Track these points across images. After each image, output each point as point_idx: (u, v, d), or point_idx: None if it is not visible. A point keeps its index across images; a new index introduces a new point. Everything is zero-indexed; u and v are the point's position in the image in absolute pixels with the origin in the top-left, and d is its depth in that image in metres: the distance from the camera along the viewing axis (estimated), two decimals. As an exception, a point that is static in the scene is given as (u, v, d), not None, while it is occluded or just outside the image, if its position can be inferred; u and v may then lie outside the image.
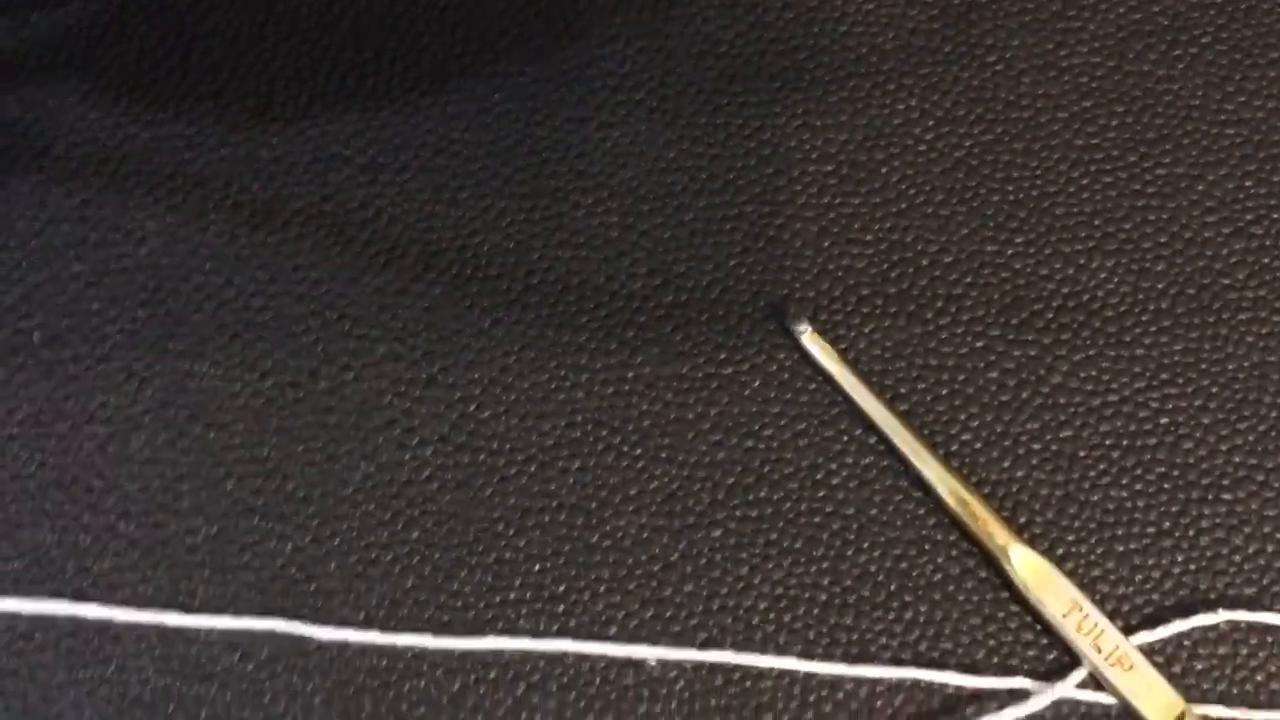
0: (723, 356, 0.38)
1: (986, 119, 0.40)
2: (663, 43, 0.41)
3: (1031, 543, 0.36)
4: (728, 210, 0.39)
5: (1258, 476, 0.37)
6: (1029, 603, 0.36)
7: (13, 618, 0.36)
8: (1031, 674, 0.36)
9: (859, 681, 0.36)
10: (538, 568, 0.37)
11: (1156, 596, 0.36)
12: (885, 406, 0.37)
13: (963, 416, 0.38)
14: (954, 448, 0.37)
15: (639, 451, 0.38)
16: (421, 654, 0.36)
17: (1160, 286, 0.39)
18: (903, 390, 0.38)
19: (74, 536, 0.37)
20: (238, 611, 0.36)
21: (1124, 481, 0.37)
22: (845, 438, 0.38)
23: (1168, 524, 0.37)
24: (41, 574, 0.36)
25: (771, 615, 0.36)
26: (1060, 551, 0.37)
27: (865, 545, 0.37)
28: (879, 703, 0.36)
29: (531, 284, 0.39)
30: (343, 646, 0.36)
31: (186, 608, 0.36)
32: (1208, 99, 0.40)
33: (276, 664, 0.36)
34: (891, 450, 0.37)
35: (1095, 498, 0.37)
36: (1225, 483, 0.37)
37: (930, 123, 0.40)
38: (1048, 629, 0.36)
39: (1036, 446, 0.37)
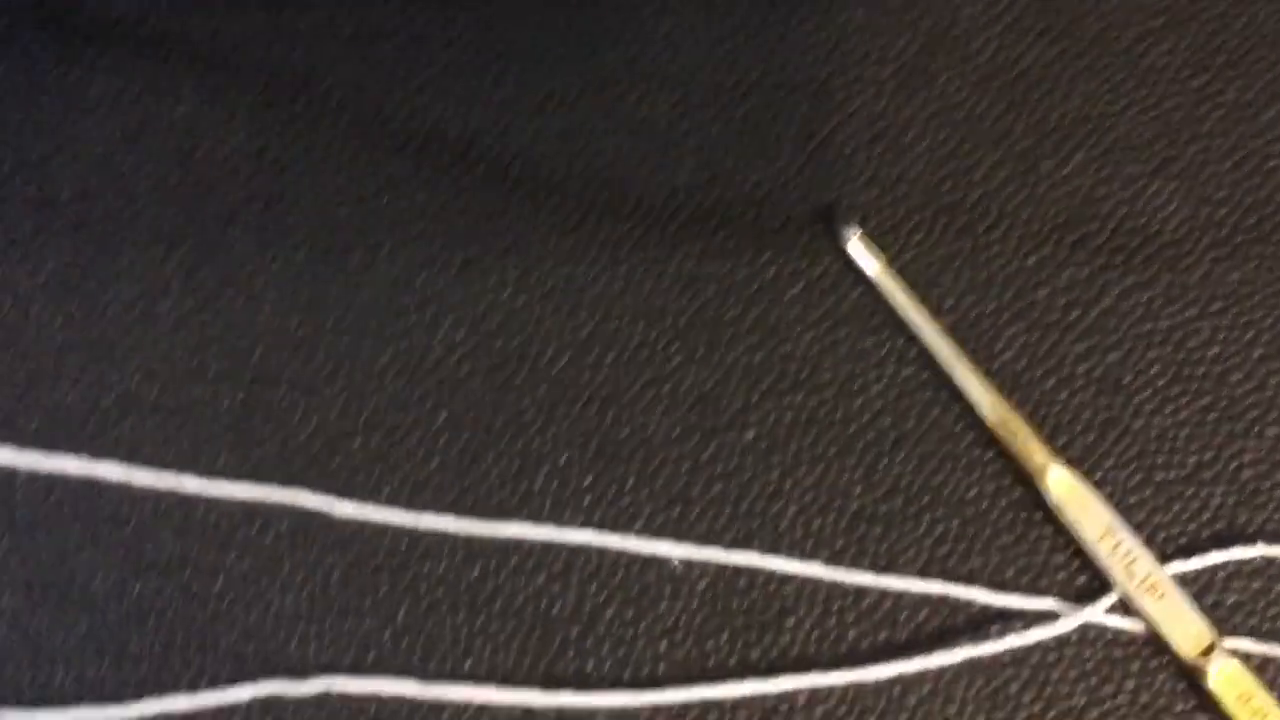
0: (765, 258, 0.37)
1: (1052, 32, 0.39)
2: (723, -67, 0.40)
3: (1070, 464, 0.35)
4: (780, 109, 0.38)
5: (1305, 413, 0.36)
6: (1063, 524, 0.35)
7: (30, 474, 0.35)
8: (1060, 596, 0.35)
9: (884, 592, 0.35)
10: (564, 459, 0.36)
11: (1193, 527, 0.36)
12: (929, 318, 0.36)
13: (1008, 334, 0.37)
14: (997, 365, 0.37)
15: (674, 348, 0.37)
16: (442, 536, 0.35)
17: (1220, 214, 0.38)
18: (948, 304, 0.37)
19: (95, 396, 0.36)
20: (259, 481, 0.35)
21: (1168, 410, 0.36)
22: (886, 347, 0.37)
23: (1209, 455, 0.36)
24: (61, 432, 0.36)
25: (799, 521, 0.36)
26: (1098, 476, 0.36)
27: (899, 457, 0.36)
28: (903, 615, 0.35)
29: (574, 171, 0.38)
30: (363, 523, 0.35)
31: (207, 474, 0.35)
32: (1281, 25, 0.39)
33: (296, 536, 0.35)
34: (932, 363, 0.36)
35: (1138, 424, 0.36)
36: (1271, 417, 0.36)
37: (995, 31, 0.39)
38: (1080, 552, 0.35)
39: (1081, 369, 0.37)
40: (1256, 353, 0.37)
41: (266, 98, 0.38)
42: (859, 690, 0.35)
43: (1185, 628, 0.35)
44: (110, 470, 0.35)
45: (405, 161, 0.38)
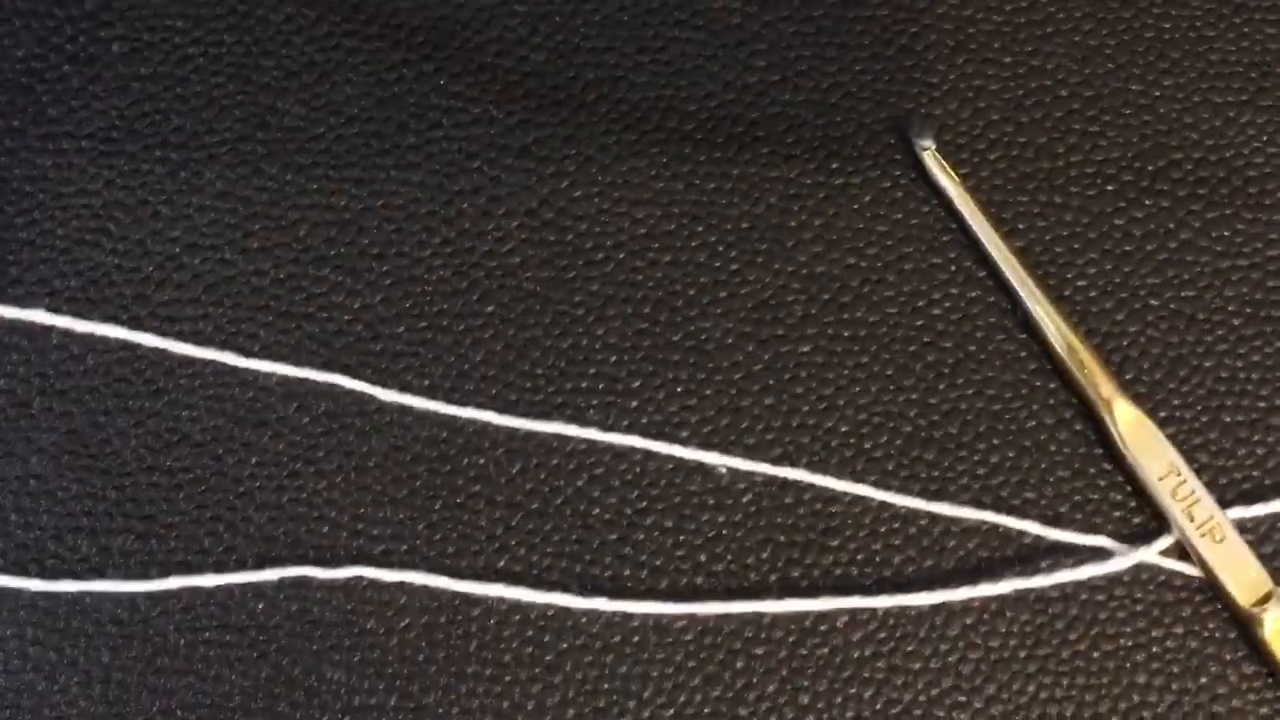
0: (835, 165, 0.36)
1: (1151, -53, 0.37)
2: None
3: (1136, 400, 0.34)
4: (860, 10, 0.37)
5: (1384, 364, 0.35)
6: (1124, 461, 0.34)
7: (65, 338, 0.34)
8: (1115, 535, 0.34)
9: (934, 518, 0.34)
10: (614, 359, 0.35)
11: (1257, 473, 0.35)
12: (1001, 239, 0.35)
13: (1080, 261, 0.35)
14: (1067, 292, 0.35)
15: (734, 253, 0.35)
16: (483, 430, 0.34)
17: (1311, 151, 0.36)
18: (1021, 226, 0.36)
19: (135, 262, 0.35)
20: (298, 362, 0.34)
21: (1241, 350, 0.35)
22: (953, 267, 0.35)
23: (1280, 401, 0.35)
24: (98, 296, 0.35)
25: (851, 440, 0.35)
26: (1164, 414, 0.35)
27: (959, 381, 0.35)
28: (952, 543, 0.34)
29: (642, 62, 0.36)
30: (404, 411, 0.34)
31: (246, 351, 0.34)
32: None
33: (334, 420, 0.34)
34: (1001, 285, 0.35)
35: (1209, 363, 0.35)
36: (1347, 366, 0.35)
37: (1091, -57, 0.37)
38: (1139, 491, 0.34)
39: (1155, 302, 0.35)
40: (1338, 298, 0.35)
41: (325, -35, 0.37)
42: (900, 616, 0.34)
43: (1242, 575, 0.33)
44: (147, 339, 0.34)
45: (466, 42, 0.36)
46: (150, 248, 0.35)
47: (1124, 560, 0.34)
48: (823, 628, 0.34)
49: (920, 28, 0.37)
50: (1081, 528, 0.34)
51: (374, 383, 0.34)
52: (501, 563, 0.34)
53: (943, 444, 0.35)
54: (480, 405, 0.34)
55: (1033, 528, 0.34)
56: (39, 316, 0.34)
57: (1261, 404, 0.35)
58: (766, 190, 0.36)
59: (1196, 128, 0.36)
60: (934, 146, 0.35)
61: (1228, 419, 0.35)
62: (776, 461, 0.34)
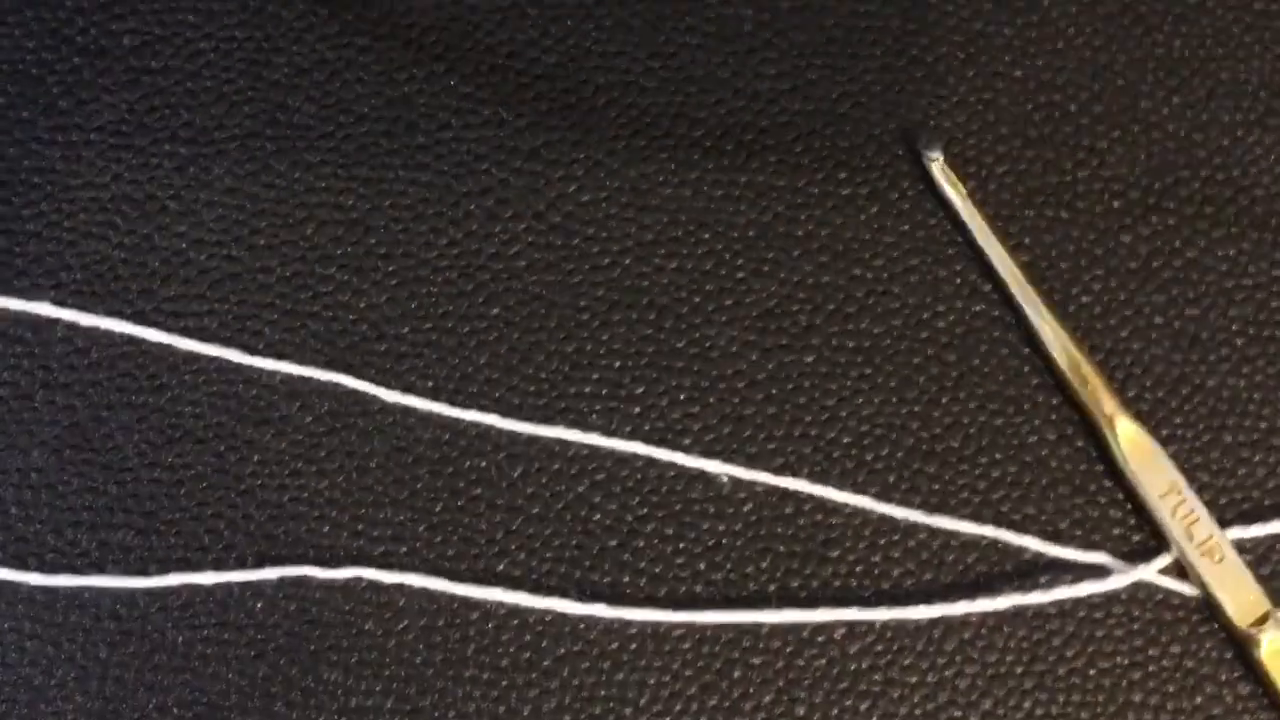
0: (843, 175, 0.36)
1: (1164, -35, 0.37)
2: None
3: (1138, 418, 0.34)
4: (872, 21, 0.37)
5: (1386, 387, 0.35)
6: (1125, 479, 0.34)
7: (69, 331, 0.34)
8: (1114, 552, 0.34)
9: (934, 532, 0.34)
10: (618, 365, 0.35)
11: (1257, 494, 0.35)
12: (1007, 253, 0.35)
13: (1086, 277, 0.35)
14: (1072, 308, 0.35)
15: (740, 261, 0.35)
16: (486, 433, 0.34)
17: (1319, 172, 0.36)
18: (1027, 240, 0.36)
19: (142, 257, 0.35)
20: (302, 361, 0.34)
21: (1244, 370, 0.35)
22: (959, 280, 0.35)
23: (1282, 422, 0.35)
24: (104, 290, 0.35)
25: (853, 451, 0.35)
26: (1165, 432, 0.35)
27: (962, 394, 0.35)
28: (950, 556, 0.34)
29: (652, 68, 0.36)
30: (406, 412, 0.34)
31: (250, 348, 0.34)
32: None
33: (336, 420, 0.34)
34: (1006, 299, 0.35)
35: (1211, 383, 0.35)
36: (1349, 389, 0.35)
37: (1104, -41, 0.37)
38: (1139, 509, 0.34)
39: (1159, 320, 0.35)
40: (1342, 320, 0.35)
41: (337, -38, 0.37)
42: (898, 629, 0.34)
43: (1240, 595, 0.34)
44: (151, 334, 0.34)
45: (477, 44, 0.36)
46: (157, 243, 0.35)
47: (1123, 578, 0.34)
48: (820, 639, 0.34)
49: (931, 40, 0.37)
50: (1081, 544, 0.34)
51: (377, 383, 0.34)
52: (501, 566, 0.34)
53: (944, 457, 0.35)
54: (483, 408, 0.34)
55: (1032, 543, 0.34)
56: (44, 309, 0.34)
57: (1263, 424, 0.35)
58: (774, 199, 0.36)
59: (1205, 147, 0.36)
60: (942, 159, 0.35)
61: (1229, 439, 0.35)
62: (778, 471, 0.34)
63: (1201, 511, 0.34)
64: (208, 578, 0.33)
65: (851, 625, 0.34)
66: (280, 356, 0.34)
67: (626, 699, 0.33)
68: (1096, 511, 0.34)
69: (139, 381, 0.34)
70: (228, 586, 0.33)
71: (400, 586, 0.34)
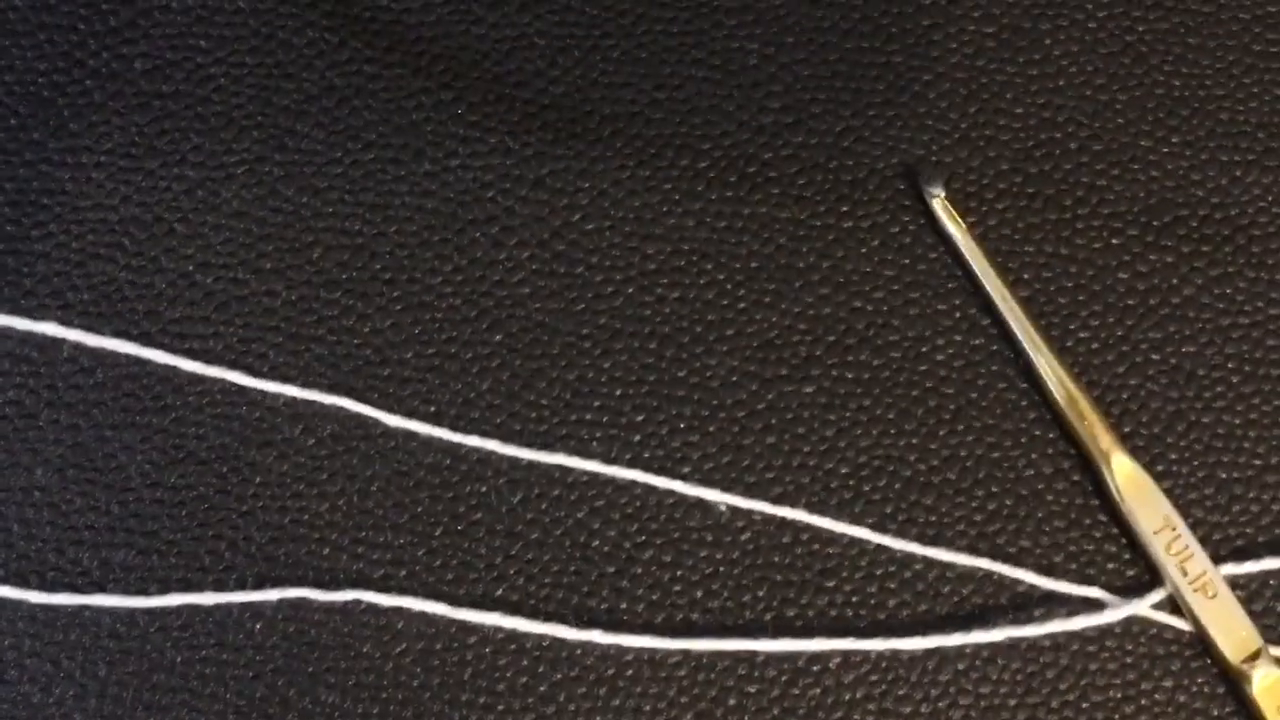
0: (845, 209, 0.36)
1: (1165, 5, 0.37)
2: None
3: (1134, 454, 0.35)
4: (875, 57, 0.37)
5: (1380, 427, 0.35)
6: (1120, 514, 0.34)
7: (75, 351, 0.35)
8: (1108, 587, 0.34)
9: (930, 563, 0.35)
10: (619, 393, 0.35)
11: (1251, 530, 0.35)
12: (1006, 288, 0.35)
13: (1084, 314, 0.36)
14: (1069, 344, 0.36)
15: (742, 292, 0.36)
16: (487, 459, 0.35)
17: (1315, 213, 0.37)
18: (1026, 276, 0.36)
19: (148, 278, 0.35)
20: (306, 384, 0.35)
21: (1239, 408, 0.35)
22: (958, 314, 0.36)
23: (1276, 459, 0.35)
24: (110, 310, 0.35)
25: (851, 482, 0.35)
26: (1161, 468, 0.35)
27: (959, 428, 0.35)
28: (946, 588, 0.34)
29: (658, 99, 0.37)
30: (408, 437, 0.35)
31: (255, 371, 0.35)
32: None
33: (338, 443, 0.34)
34: (1004, 334, 0.35)
35: (1206, 419, 0.35)
36: (1343, 428, 0.36)
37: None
38: (1134, 544, 0.34)
39: (1155, 357, 0.36)
40: (1336, 360, 0.36)
41: (347, -10, 0.37)
42: (893, 659, 0.34)
43: (1233, 631, 0.34)
44: (157, 355, 0.34)
45: (485, 72, 0.37)
46: (164, 264, 0.35)
47: (1117, 612, 0.34)
48: (815, 668, 0.34)
49: (934, 76, 0.37)
50: (1075, 578, 0.35)
51: (380, 407, 0.35)
52: (499, 591, 0.34)
53: (941, 489, 0.35)
54: (484, 434, 0.35)
55: (1027, 576, 0.34)
56: (50, 329, 0.35)
57: (1257, 462, 0.35)
58: (776, 230, 0.36)
59: (1203, 185, 0.37)
60: (944, 194, 0.36)
61: (1223, 475, 0.35)
62: (776, 501, 0.35)
63: (1195, 547, 0.34)
64: (208, 598, 0.34)
65: (847, 655, 0.34)
66: (284, 379, 0.35)
67: (622, 726, 0.34)
68: (1091, 546, 0.35)
69: (143, 402, 0.35)
70: (227, 607, 0.34)
71: (399, 610, 0.34)
